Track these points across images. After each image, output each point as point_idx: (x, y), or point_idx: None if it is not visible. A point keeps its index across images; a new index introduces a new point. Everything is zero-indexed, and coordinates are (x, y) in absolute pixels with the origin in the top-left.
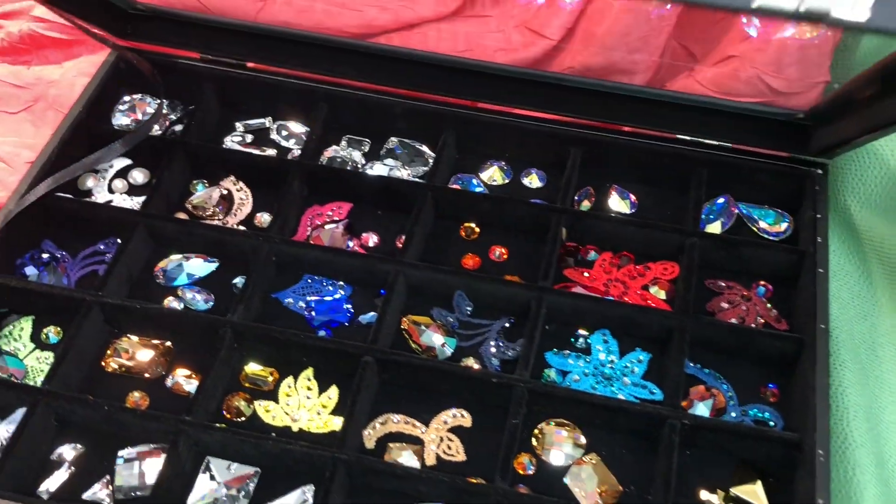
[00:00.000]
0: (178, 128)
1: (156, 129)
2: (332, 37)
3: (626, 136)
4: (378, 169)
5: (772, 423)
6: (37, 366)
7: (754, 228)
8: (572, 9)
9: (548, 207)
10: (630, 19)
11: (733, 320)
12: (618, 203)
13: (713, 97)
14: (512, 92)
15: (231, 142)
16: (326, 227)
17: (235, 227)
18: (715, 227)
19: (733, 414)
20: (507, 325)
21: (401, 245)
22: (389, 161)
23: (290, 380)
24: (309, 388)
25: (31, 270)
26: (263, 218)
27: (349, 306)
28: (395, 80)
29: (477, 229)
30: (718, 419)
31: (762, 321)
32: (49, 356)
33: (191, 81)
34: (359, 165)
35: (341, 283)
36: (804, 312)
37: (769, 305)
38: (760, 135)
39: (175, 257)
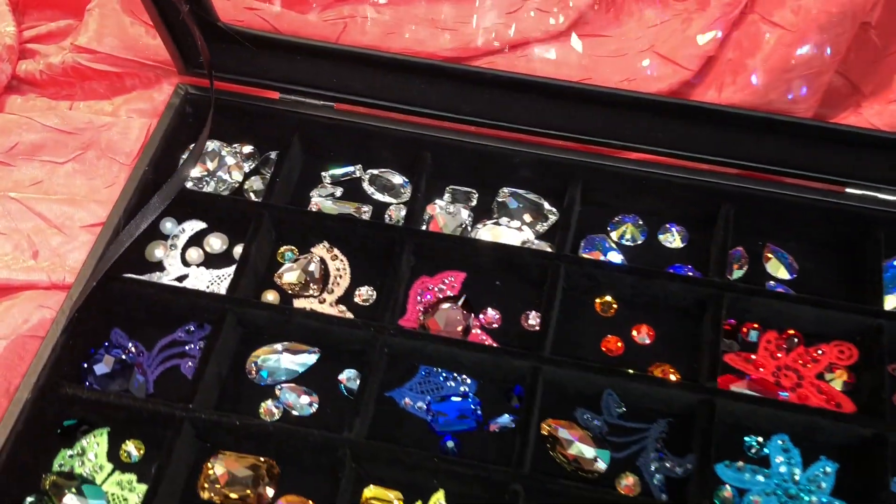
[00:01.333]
0: (255, 182)
1: (228, 182)
2: (433, 62)
3: (788, 189)
4: (489, 232)
5: None
6: (119, 493)
7: None
8: (714, 35)
9: (704, 282)
10: (794, 54)
11: None
12: (776, 268)
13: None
14: (648, 130)
15: (319, 197)
16: (441, 307)
17: (334, 305)
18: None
19: None
20: (665, 430)
21: (528, 324)
22: (504, 220)
23: None
24: None
25: (101, 369)
26: (365, 293)
27: (477, 409)
28: (509, 115)
29: (615, 304)
30: None
31: None
32: (132, 479)
33: (267, 123)
34: (467, 225)
35: (464, 376)
36: None
37: None
38: None
39: (270, 349)
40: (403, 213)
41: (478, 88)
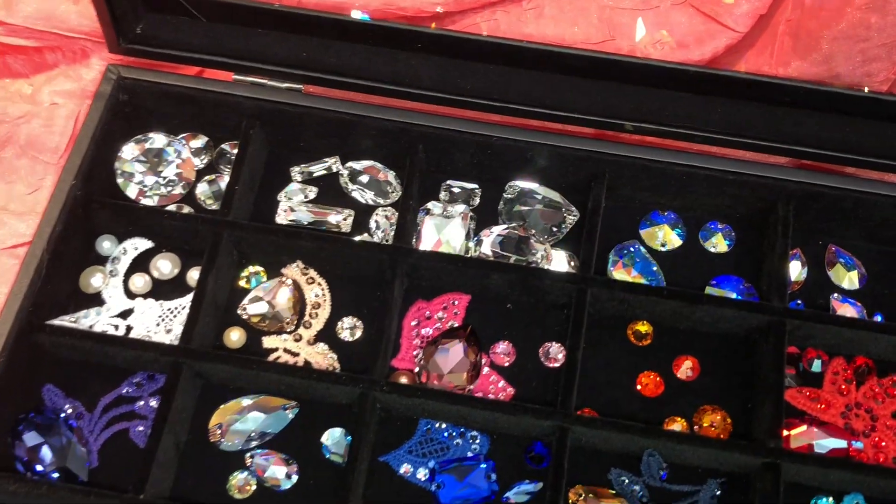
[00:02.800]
0: (208, 186)
1: (177, 184)
2: (423, 28)
3: (856, 182)
4: (493, 242)
5: None
6: None
7: None
8: None
9: (760, 307)
10: (870, 18)
11: None
12: (842, 275)
13: None
14: (686, 110)
15: (288, 200)
16: (443, 345)
17: (312, 343)
18: None
19: None
20: (718, 492)
21: (547, 360)
22: (512, 225)
23: None
24: None
25: (32, 439)
26: (350, 326)
27: (492, 474)
28: (518, 94)
29: (650, 331)
30: None
31: None
32: None
33: (221, 111)
34: (470, 231)
35: (474, 432)
36: None
37: None
38: None
39: (237, 406)
40: (394, 217)
41: (479, 62)
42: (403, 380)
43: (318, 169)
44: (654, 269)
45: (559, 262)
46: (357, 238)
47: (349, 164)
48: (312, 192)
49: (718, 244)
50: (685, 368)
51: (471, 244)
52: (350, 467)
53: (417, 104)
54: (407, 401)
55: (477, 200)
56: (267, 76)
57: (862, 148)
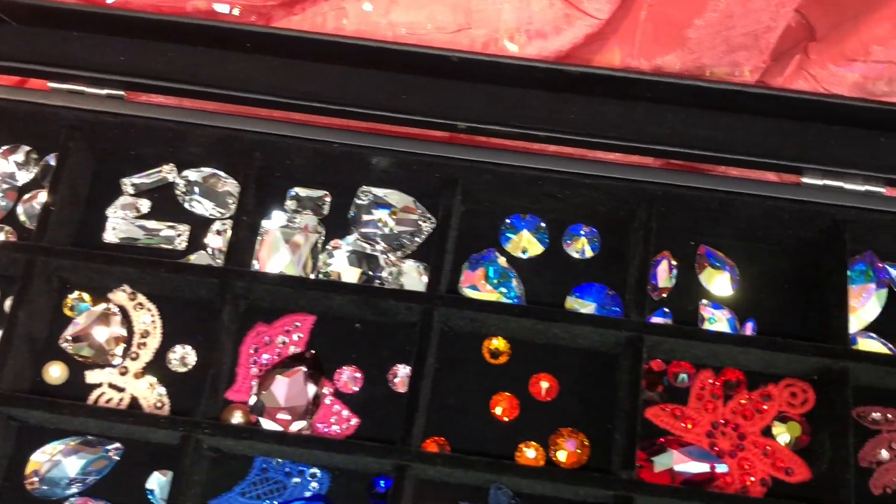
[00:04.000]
0: (28, 208)
1: None
2: (252, 27)
3: (726, 182)
4: (342, 257)
5: None
6: None
7: None
8: None
9: (619, 323)
10: (732, 4)
11: None
12: (712, 279)
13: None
14: (542, 109)
15: (117, 217)
16: (279, 375)
17: (140, 377)
18: (865, 315)
19: None
20: None
21: (396, 384)
22: (366, 232)
23: None
24: None
25: None
26: (181, 356)
27: None
28: (358, 96)
29: (506, 348)
30: None
31: None
32: None
33: (38, 124)
34: (318, 243)
35: (314, 469)
36: None
37: None
38: None
39: (54, 450)
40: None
41: (313, 61)
42: (237, 414)
43: (151, 180)
44: (513, 280)
45: (411, 275)
46: (192, 257)
47: (186, 172)
48: (145, 205)
49: (583, 249)
50: (543, 387)
51: (320, 257)
52: None
53: (251, 109)
54: (237, 442)
55: (327, 208)
56: (85, 83)
57: (730, 145)
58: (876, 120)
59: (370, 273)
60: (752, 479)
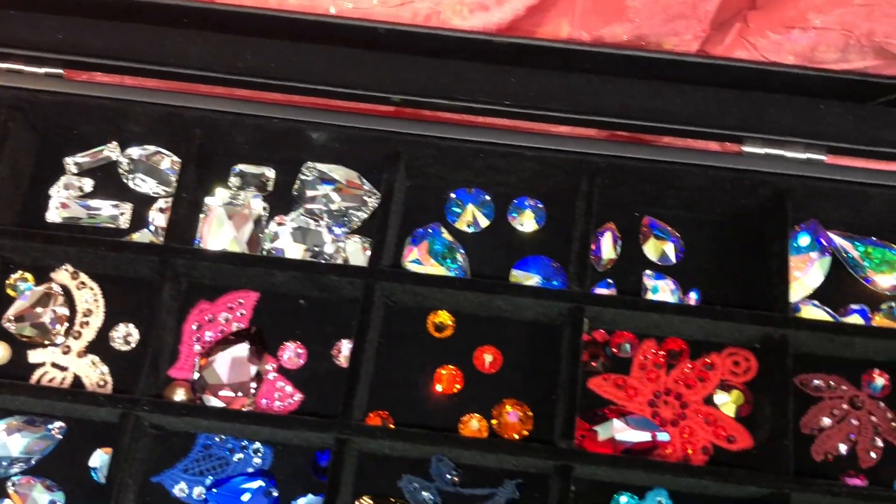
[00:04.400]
0: None
1: None
2: (191, 3)
3: (668, 153)
4: (286, 233)
5: None
6: None
7: (858, 277)
8: None
9: (560, 294)
10: None
11: (841, 446)
12: (655, 250)
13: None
14: (481, 82)
15: (60, 194)
16: (222, 351)
17: (83, 355)
18: (809, 282)
19: None
20: (514, 495)
21: (341, 359)
22: (310, 208)
23: None
24: None
25: None
26: (124, 334)
27: (273, 491)
28: (295, 70)
29: (451, 321)
30: None
31: (880, 443)
32: None
33: None
34: (262, 219)
35: (257, 445)
36: None
37: (889, 414)
38: (864, 130)
39: None
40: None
41: (251, 35)
42: (180, 392)
43: (93, 159)
44: (458, 254)
45: (355, 250)
46: (135, 236)
47: (129, 150)
48: (88, 184)
49: (527, 222)
50: (487, 359)
51: (265, 233)
52: (112, 492)
53: (192, 86)
54: (177, 419)
55: (271, 185)
56: (23, 62)
57: (671, 115)
58: (815, 88)
59: (315, 249)
60: (694, 447)
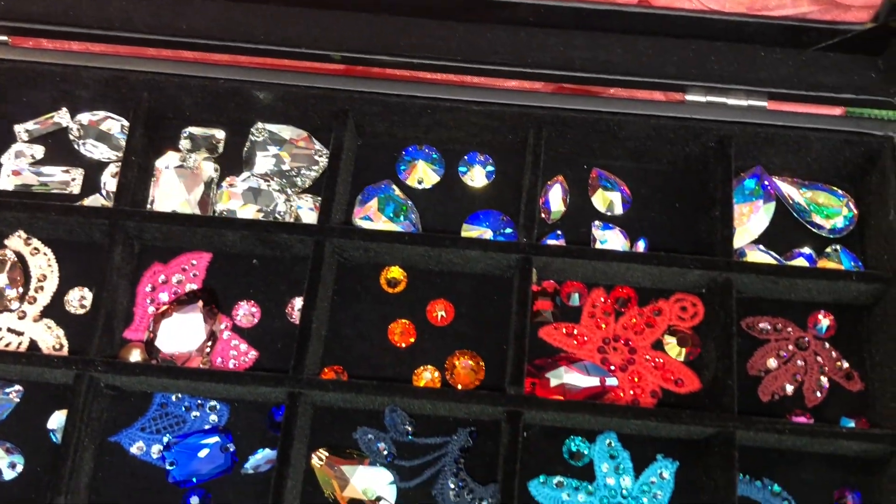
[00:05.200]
0: None
1: None
2: None
3: (612, 104)
4: (237, 194)
5: None
6: None
7: (803, 222)
8: None
9: (506, 246)
10: None
11: (788, 387)
12: (604, 200)
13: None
14: (425, 38)
15: (11, 162)
16: (176, 312)
17: (38, 320)
18: (754, 227)
19: None
20: (467, 442)
21: (295, 316)
22: (259, 170)
23: None
24: None
25: None
26: (78, 298)
27: (230, 446)
28: (240, 30)
29: (403, 277)
30: None
31: (826, 382)
32: None
33: None
34: (214, 182)
35: (213, 402)
36: (890, 372)
37: (835, 354)
38: (804, 75)
39: None
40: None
41: None
42: (135, 353)
43: (44, 126)
44: (409, 210)
45: (307, 210)
46: (87, 201)
47: (79, 117)
48: (39, 151)
49: (477, 177)
50: (439, 313)
51: (216, 195)
52: (69, 452)
53: (138, 49)
54: (131, 378)
55: (221, 147)
56: None
57: (612, 66)
58: (755, 34)
59: (266, 209)
60: (643, 391)
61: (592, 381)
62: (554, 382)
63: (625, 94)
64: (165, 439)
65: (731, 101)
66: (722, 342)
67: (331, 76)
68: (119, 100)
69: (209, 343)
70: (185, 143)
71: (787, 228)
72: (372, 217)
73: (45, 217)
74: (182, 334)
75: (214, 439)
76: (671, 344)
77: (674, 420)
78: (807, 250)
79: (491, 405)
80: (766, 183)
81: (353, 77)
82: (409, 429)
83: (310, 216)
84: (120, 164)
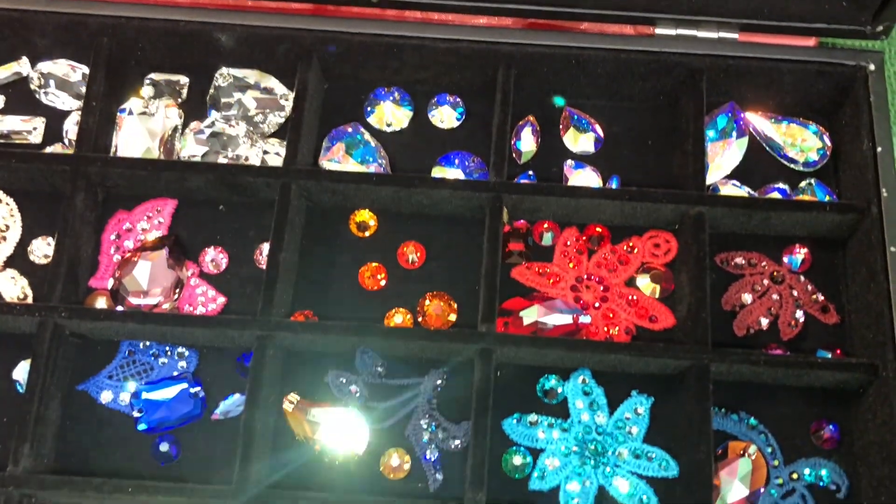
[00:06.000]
0: None
1: None
2: None
3: (581, 39)
4: (202, 140)
5: (833, 488)
6: None
7: (775, 156)
8: None
9: (476, 185)
10: None
11: (763, 320)
12: (574, 140)
13: None
14: None
15: None
16: (142, 259)
17: (2, 270)
18: (727, 163)
19: (778, 481)
20: (439, 382)
21: (262, 262)
22: (221, 117)
23: None
24: None
25: None
26: (37, 251)
27: (199, 392)
28: None
29: (373, 221)
30: None
31: (801, 315)
32: None
33: None
34: (177, 128)
35: (181, 349)
36: (865, 303)
37: (810, 287)
38: (775, 5)
39: None
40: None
41: None
42: (101, 301)
43: (3, 75)
44: (379, 152)
45: (272, 155)
46: (48, 150)
47: (39, 65)
48: (0, 101)
49: (447, 119)
50: (410, 254)
51: (180, 141)
52: (33, 402)
53: None
54: (96, 324)
55: (185, 92)
56: None
57: (585, 1)
58: None
59: (231, 154)
60: (618, 328)
61: (566, 319)
62: (527, 321)
63: (595, 30)
64: (133, 386)
65: (702, 34)
66: (695, 276)
67: (295, 16)
68: (79, 46)
69: (176, 290)
70: (147, 90)
71: (760, 163)
72: (340, 160)
73: (6, 165)
74: (148, 281)
75: (183, 385)
76: (645, 281)
77: (648, 354)
78: (781, 185)
79: (463, 343)
80: (739, 118)
81: (317, 17)
82: (381, 370)
83: (276, 162)
84: (77, 111)
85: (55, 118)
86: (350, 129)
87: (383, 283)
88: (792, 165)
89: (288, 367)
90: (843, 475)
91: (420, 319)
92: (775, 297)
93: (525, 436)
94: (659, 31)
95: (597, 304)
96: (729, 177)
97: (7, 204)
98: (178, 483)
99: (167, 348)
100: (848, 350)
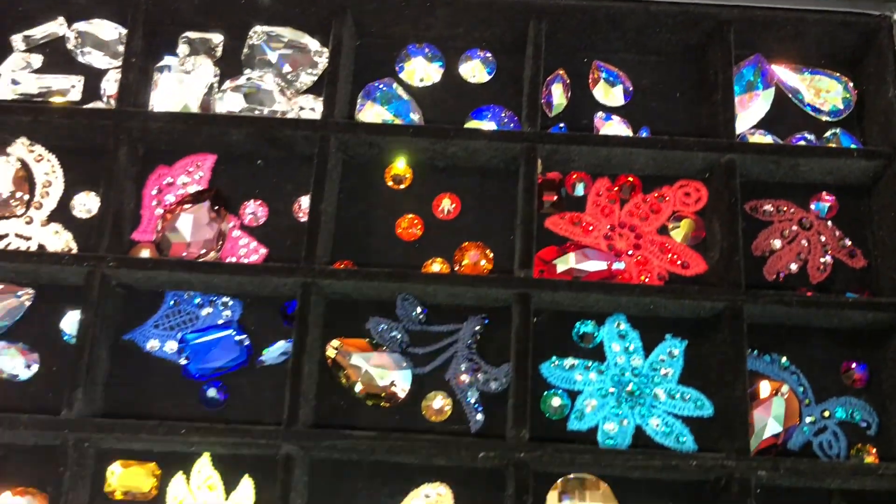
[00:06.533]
0: None
1: None
2: None
3: None
4: (238, 97)
5: (864, 425)
6: None
7: (801, 106)
8: None
9: (510, 135)
10: None
11: (792, 265)
12: (605, 92)
13: None
14: None
15: (13, 71)
16: (184, 212)
17: (46, 225)
18: (753, 115)
19: (810, 419)
20: (478, 328)
21: (302, 214)
22: (256, 74)
23: (179, 479)
24: (210, 487)
25: None
26: (84, 203)
27: (245, 340)
28: None
29: (409, 174)
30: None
31: (829, 259)
32: None
33: None
34: (214, 85)
35: (225, 299)
36: (892, 247)
37: (837, 233)
38: None
39: None
40: None
41: None
42: (145, 252)
43: (40, 34)
44: (411, 107)
45: (307, 111)
46: (87, 107)
47: (76, 25)
48: (37, 60)
49: (478, 73)
50: (445, 206)
51: (216, 98)
52: (84, 349)
53: None
54: (142, 274)
55: (220, 51)
56: None
57: None
58: None
59: (268, 111)
60: (650, 274)
61: (600, 266)
62: (561, 268)
63: None
64: (180, 334)
65: None
66: (727, 221)
67: None
68: (116, 6)
69: (219, 242)
70: (182, 49)
71: (786, 114)
72: (374, 115)
73: (48, 121)
74: (191, 233)
75: (228, 332)
76: (676, 228)
77: (683, 296)
78: (807, 134)
79: (502, 288)
80: (765, 70)
81: None
82: (422, 317)
83: (312, 117)
84: (119, 70)
85: (92, 77)
86: (384, 86)
87: (419, 233)
88: (817, 116)
89: (329, 314)
90: (873, 413)
91: (457, 269)
92: (804, 242)
93: (563, 378)
94: None
95: (630, 252)
96: (756, 127)
97: (48, 161)
98: (229, 424)
99: (211, 298)
100: (875, 292)
